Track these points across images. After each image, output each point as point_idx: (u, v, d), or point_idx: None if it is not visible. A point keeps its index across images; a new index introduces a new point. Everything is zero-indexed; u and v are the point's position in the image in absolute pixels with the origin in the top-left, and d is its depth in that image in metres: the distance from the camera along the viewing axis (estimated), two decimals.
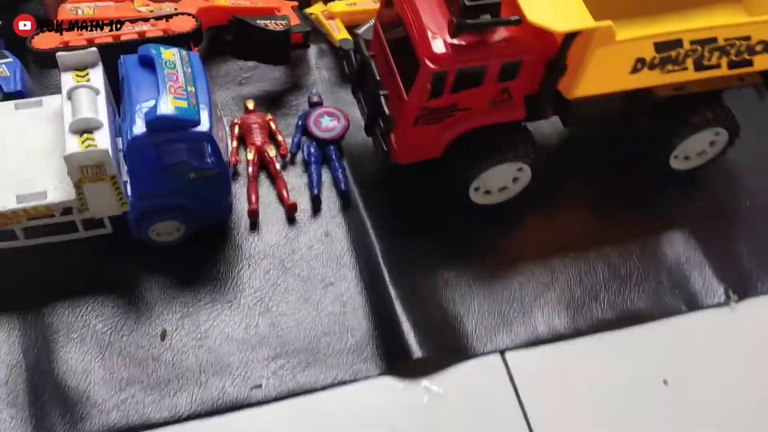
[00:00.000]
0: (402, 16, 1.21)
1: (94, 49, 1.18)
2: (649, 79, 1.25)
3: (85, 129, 1.10)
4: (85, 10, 1.36)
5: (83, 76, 1.16)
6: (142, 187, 1.16)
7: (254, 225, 1.36)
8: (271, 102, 1.55)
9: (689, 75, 1.27)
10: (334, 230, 1.38)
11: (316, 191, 1.37)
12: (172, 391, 1.19)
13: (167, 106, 1.08)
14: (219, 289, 1.30)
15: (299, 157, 1.46)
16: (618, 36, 1.16)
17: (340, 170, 1.40)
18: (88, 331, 1.23)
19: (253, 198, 1.34)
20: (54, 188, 1.14)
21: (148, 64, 1.15)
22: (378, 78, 1.27)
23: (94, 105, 1.12)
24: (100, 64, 1.19)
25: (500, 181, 1.34)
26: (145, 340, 1.23)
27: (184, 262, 1.31)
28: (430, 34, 1.14)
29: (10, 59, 1.42)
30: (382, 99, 1.25)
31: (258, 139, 1.41)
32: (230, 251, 1.34)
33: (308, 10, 1.63)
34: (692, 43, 1.22)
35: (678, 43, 1.21)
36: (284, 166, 1.43)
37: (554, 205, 1.46)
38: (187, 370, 1.21)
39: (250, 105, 1.47)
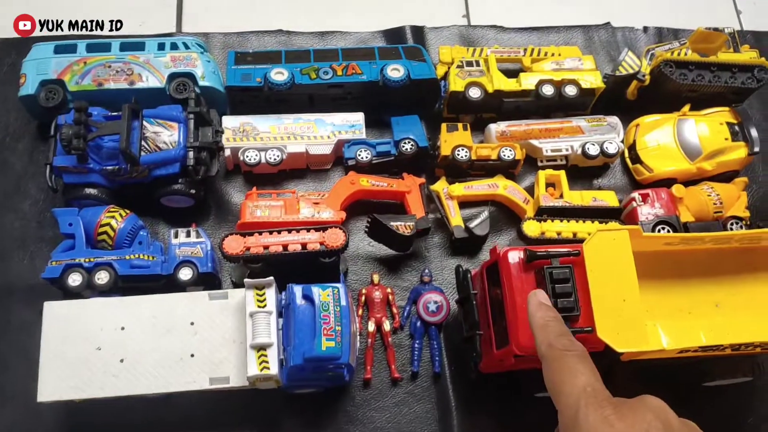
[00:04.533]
0: (503, 289, 1.48)
1: (272, 278, 1.54)
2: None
3: (261, 347, 1.52)
4: (261, 212, 1.73)
5: (261, 297, 1.54)
6: (295, 377, 1.56)
7: (366, 384, 1.73)
8: (391, 270, 1.87)
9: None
10: (423, 397, 1.73)
11: (415, 369, 1.74)
12: None
13: (320, 348, 1.48)
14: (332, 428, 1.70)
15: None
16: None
17: (437, 351, 1.74)
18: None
19: (368, 368, 1.72)
20: (234, 375, 1.53)
21: (309, 298, 1.54)
22: (476, 318, 1.60)
23: (269, 328, 1.51)
24: (274, 286, 1.56)
25: None
26: None
27: (313, 406, 1.69)
28: (520, 327, 1.42)
29: (203, 239, 1.68)
30: (477, 338, 1.61)
31: (378, 313, 1.77)
32: (347, 402, 1.71)
33: (433, 187, 1.89)
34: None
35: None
36: (394, 332, 1.80)
37: None
38: None
39: (376, 279, 1.81)
